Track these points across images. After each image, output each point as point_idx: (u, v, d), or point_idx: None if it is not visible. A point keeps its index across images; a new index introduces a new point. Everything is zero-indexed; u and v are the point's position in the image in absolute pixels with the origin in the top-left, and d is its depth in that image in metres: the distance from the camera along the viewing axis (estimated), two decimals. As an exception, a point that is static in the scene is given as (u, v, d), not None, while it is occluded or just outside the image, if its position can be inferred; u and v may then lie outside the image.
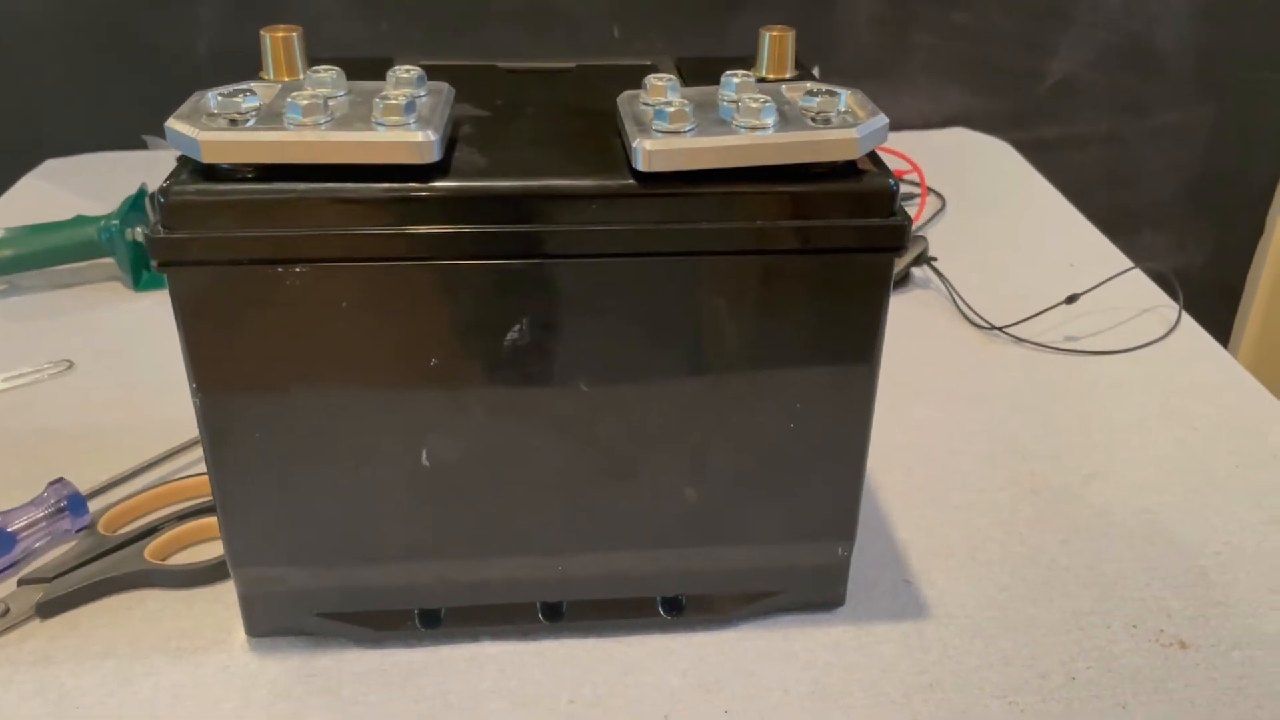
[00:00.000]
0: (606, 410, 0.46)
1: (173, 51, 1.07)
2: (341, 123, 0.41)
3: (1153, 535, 0.59)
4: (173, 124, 0.41)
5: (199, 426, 0.45)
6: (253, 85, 0.44)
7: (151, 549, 0.55)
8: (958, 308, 0.80)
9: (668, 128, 0.41)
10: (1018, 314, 0.79)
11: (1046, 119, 1.16)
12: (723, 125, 0.42)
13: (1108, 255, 0.90)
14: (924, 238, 0.83)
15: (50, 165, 1.07)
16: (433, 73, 0.52)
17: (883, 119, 0.43)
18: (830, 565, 0.52)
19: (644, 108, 0.44)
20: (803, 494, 0.49)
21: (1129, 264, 0.87)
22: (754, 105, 0.42)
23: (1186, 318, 0.79)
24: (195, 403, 0.44)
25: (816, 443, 0.47)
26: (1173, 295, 0.82)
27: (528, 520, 0.48)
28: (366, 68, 0.52)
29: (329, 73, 0.44)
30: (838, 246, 0.43)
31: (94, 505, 0.58)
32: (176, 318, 0.42)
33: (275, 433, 0.45)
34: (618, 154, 0.44)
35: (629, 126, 0.42)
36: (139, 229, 0.83)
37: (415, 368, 0.44)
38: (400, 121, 0.41)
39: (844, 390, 0.46)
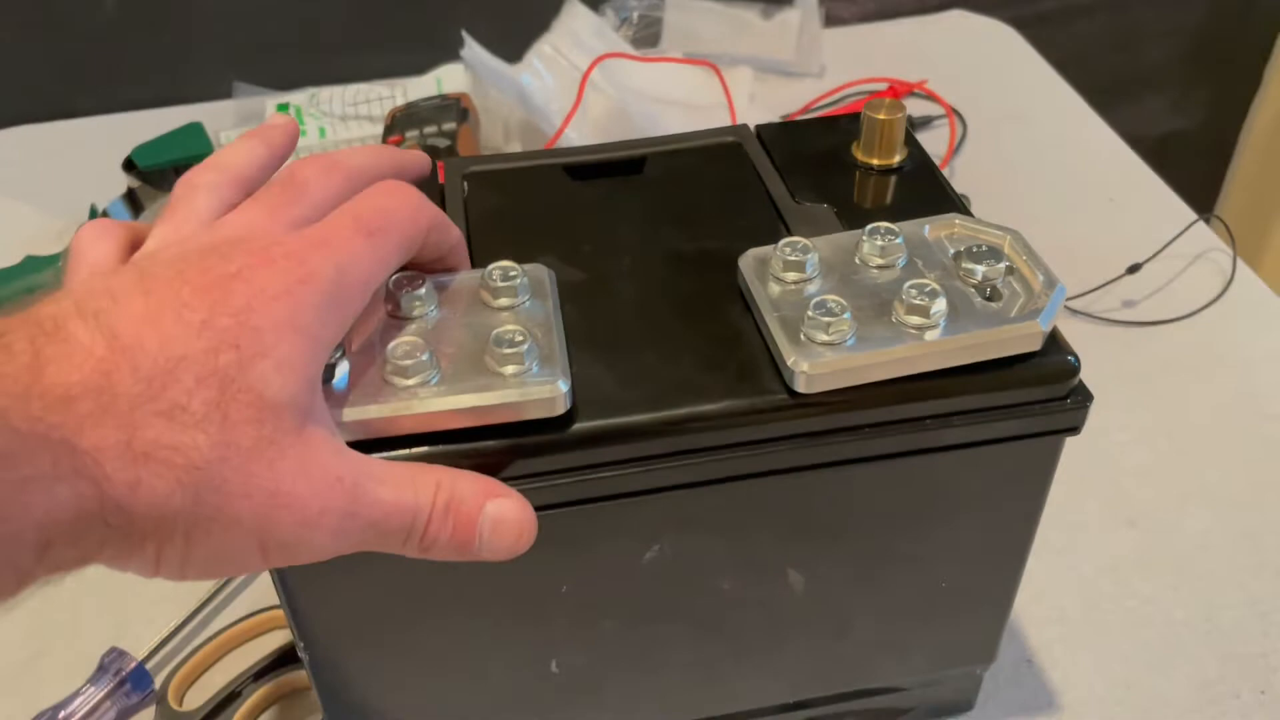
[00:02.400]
0: (749, 605, 0.42)
1: (75, 6, 0.93)
2: (454, 377, 0.34)
3: (1260, 569, 0.57)
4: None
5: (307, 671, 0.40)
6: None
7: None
8: (1007, 277, 0.75)
9: (826, 339, 0.36)
10: (1066, 273, 0.74)
11: (1046, -9, 1.08)
12: (883, 319, 0.36)
13: (1144, 180, 0.85)
14: (965, 197, 0.77)
15: (-37, 148, 0.95)
16: (484, 181, 0.45)
17: (1061, 291, 0.38)
18: (966, 682, 0.50)
19: (778, 285, 0.38)
20: (948, 637, 0.46)
21: (1162, 183, 0.82)
22: (920, 302, 0.36)
23: (1242, 266, 0.76)
24: (303, 658, 0.40)
25: (967, 595, 0.44)
26: (1227, 241, 0.78)
27: (661, 701, 0.45)
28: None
29: (420, 287, 0.37)
30: (1010, 436, 0.38)
31: (150, 664, 0.53)
32: (275, 582, 0.37)
33: (392, 672, 0.41)
34: (752, 347, 0.37)
35: (774, 328, 0.36)
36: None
37: (545, 597, 0.40)
38: (521, 370, 0.34)
39: (999, 554, 0.43)
